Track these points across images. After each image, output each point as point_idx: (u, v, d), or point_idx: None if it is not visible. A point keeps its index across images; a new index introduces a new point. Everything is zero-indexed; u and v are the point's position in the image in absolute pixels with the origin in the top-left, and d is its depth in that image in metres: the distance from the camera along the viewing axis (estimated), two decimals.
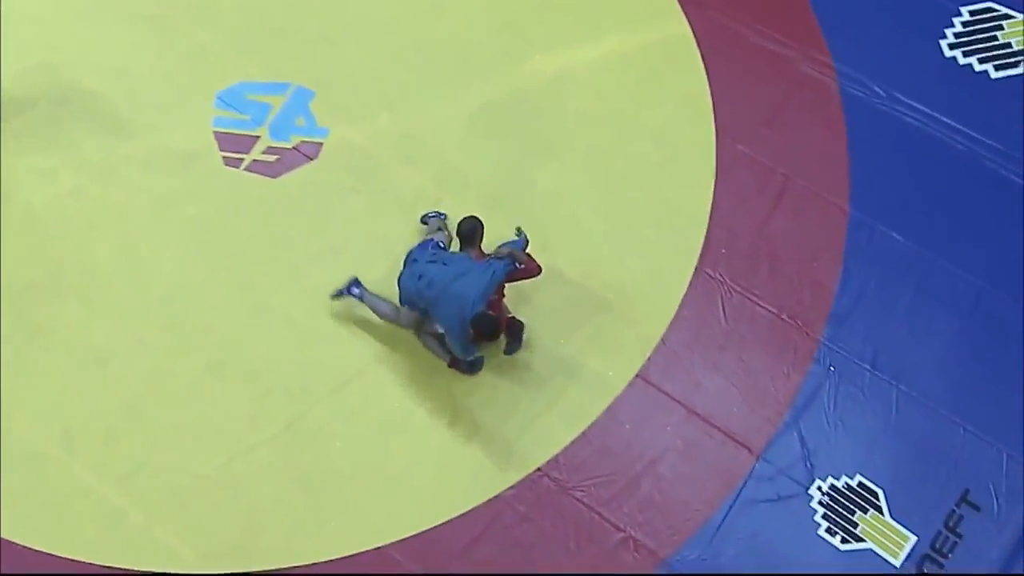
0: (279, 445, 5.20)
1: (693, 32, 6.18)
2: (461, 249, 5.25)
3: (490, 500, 5.07)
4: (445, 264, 5.06)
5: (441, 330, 5.12)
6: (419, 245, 5.27)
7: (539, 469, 5.12)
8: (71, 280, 5.56)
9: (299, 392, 5.31)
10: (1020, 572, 4.83)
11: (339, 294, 5.40)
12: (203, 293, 5.54)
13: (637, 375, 5.31)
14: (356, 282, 5.39)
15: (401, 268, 5.22)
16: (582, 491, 5.09)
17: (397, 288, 5.21)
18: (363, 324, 5.45)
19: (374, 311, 5.35)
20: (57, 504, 5.05)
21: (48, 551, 4.96)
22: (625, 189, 5.81)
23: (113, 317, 5.47)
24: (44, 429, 5.19)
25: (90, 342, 5.40)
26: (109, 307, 5.49)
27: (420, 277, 5.04)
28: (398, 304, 5.27)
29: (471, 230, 5.22)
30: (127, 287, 5.55)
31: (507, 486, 5.09)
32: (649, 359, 5.35)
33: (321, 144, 5.92)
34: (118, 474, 5.11)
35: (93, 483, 5.09)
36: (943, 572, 4.87)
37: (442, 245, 5.27)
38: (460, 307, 4.94)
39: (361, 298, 5.36)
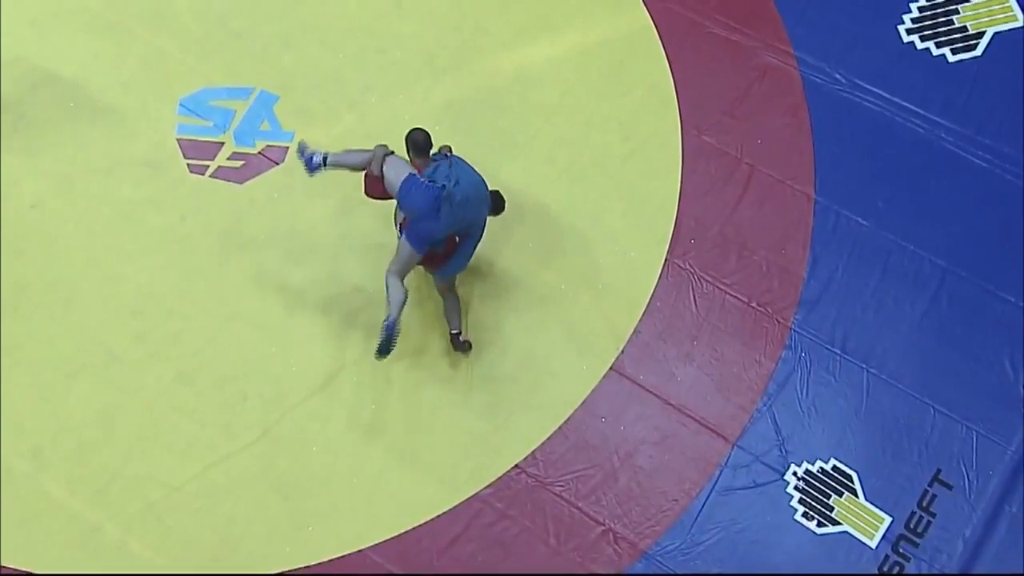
0: (255, 452, 5.19)
1: (654, 24, 6.19)
2: (417, 161, 5.10)
3: (469, 499, 5.08)
4: (457, 184, 4.96)
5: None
6: (417, 183, 4.94)
7: (517, 466, 5.14)
8: (37, 295, 5.50)
9: (274, 398, 5.29)
10: (993, 550, 4.92)
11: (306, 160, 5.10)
12: (172, 302, 5.50)
13: (611, 367, 5.34)
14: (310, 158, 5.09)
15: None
16: (561, 486, 5.11)
17: (415, 242, 4.99)
18: (337, 326, 5.43)
19: (348, 165, 5.12)
20: (30, 521, 5.00)
21: (23, 568, 4.92)
22: (592, 182, 5.82)
23: (81, 331, 5.42)
24: (14, 446, 5.14)
25: (59, 357, 5.35)
26: (77, 321, 5.44)
27: (460, 205, 4.95)
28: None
29: (428, 138, 5.11)
30: (94, 300, 5.49)
31: (485, 484, 5.11)
32: (623, 351, 5.38)
33: (287, 148, 5.89)
34: (91, 489, 5.07)
35: (66, 499, 5.05)
36: (918, 552, 4.95)
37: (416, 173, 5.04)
38: (485, 203, 5.10)
39: (324, 163, 5.08)
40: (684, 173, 5.80)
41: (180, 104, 5.98)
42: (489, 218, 5.24)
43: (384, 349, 4.98)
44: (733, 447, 5.16)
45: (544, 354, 5.40)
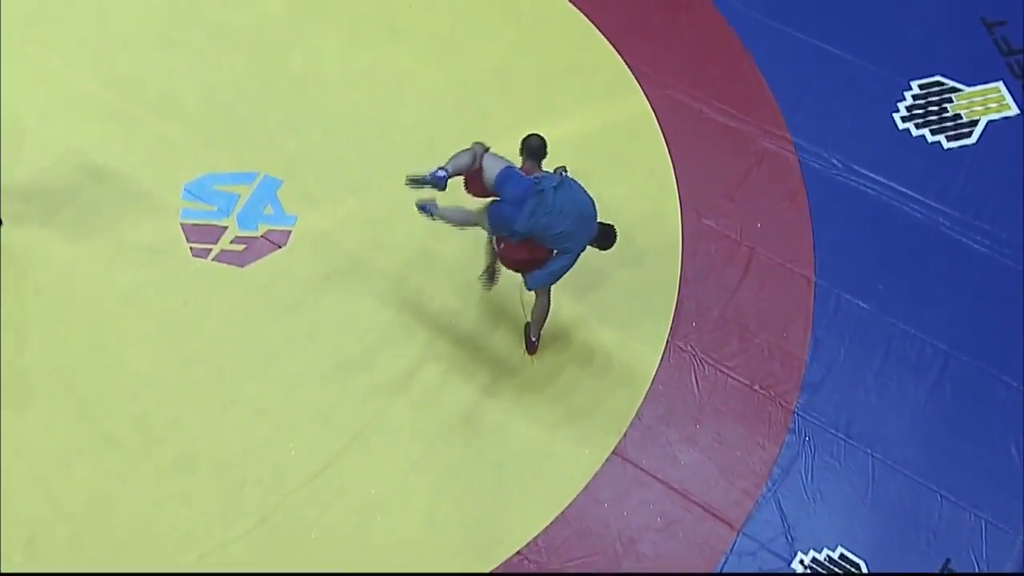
0: (253, 539, 5.09)
1: (653, 110, 6.31)
2: (527, 165, 5.11)
3: None
4: (556, 188, 4.89)
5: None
6: (513, 173, 4.96)
7: (518, 552, 5.05)
8: (37, 381, 5.46)
9: (272, 483, 5.23)
10: None
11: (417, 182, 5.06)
12: (172, 386, 5.46)
13: (613, 451, 5.29)
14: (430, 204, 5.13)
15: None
16: (563, 574, 5.01)
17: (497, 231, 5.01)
18: (336, 409, 5.39)
19: (462, 168, 5.08)
20: None
21: None
22: (592, 265, 5.83)
23: (79, 417, 5.37)
24: (10, 536, 5.04)
25: (56, 444, 5.29)
26: (76, 406, 5.40)
27: (550, 211, 4.84)
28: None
29: (544, 145, 5.10)
30: (94, 385, 5.46)
31: (486, 571, 5.01)
32: (625, 435, 5.33)
33: (289, 231, 5.93)
34: None
35: None
36: None
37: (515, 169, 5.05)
38: (585, 224, 4.96)
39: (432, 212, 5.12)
40: (684, 256, 5.84)
41: (184, 189, 6.04)
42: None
43: (416, 181, 5.01)
44: (738, 534, 5.08)
45: (545, 438, 5.35)
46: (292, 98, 6.38)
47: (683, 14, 6.73)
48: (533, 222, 4.85)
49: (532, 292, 5.26)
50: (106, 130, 6.23)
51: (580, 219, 4.94)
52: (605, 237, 5.12)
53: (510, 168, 5.00)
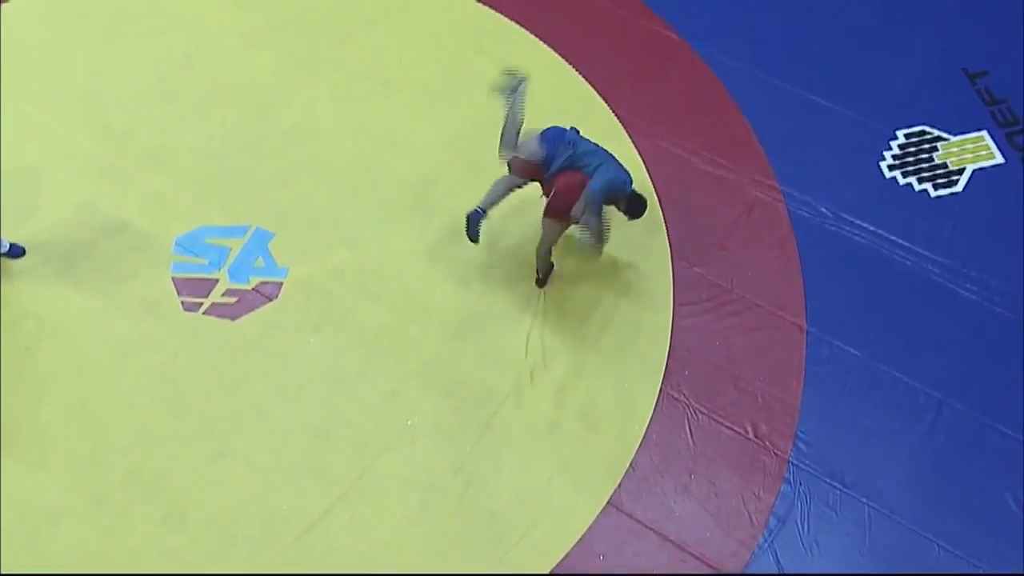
0: None
1: (642, 160, 6.37)
2: None
3: None
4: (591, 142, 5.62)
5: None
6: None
7: None
8: (25, 439, 5.41)
9: (263, 540, 5.16)
10: None
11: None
12: (162, 441, 5.42)
13: (608, 502, 5.25)
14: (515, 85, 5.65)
15: None
16: None
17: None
18: (328, 463, 5.34)
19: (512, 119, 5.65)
20: None
21: None
22: (585, 315, 5.86)
23: (68, 474, 5.31)
24: None
25: (44, 502, 5.22)
26: (64, 464, 5.34)
27: (582, 138, 5.58)
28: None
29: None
30: (84, 440, 5.41)
31: None
32: (619, 485, 5.29)
33: (281, 284, 5.93)
34: None
35: None
36: None
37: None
38: (624, 177, 5.51)
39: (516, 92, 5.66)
40: (675, 304, 5.85)
41: (176, 243, 6.04)
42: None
43: (469, 235, 5.63)
44: None
45: (539, 489, 5.31)
46: (284, 151, 6.42)
47: (671, 66, 6.84)
48: (573, 134, 5.54)
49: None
50: (99, 184, 6.25)
51: (609, 157, 5.52)
52: (635, 203, 5.57)
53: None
